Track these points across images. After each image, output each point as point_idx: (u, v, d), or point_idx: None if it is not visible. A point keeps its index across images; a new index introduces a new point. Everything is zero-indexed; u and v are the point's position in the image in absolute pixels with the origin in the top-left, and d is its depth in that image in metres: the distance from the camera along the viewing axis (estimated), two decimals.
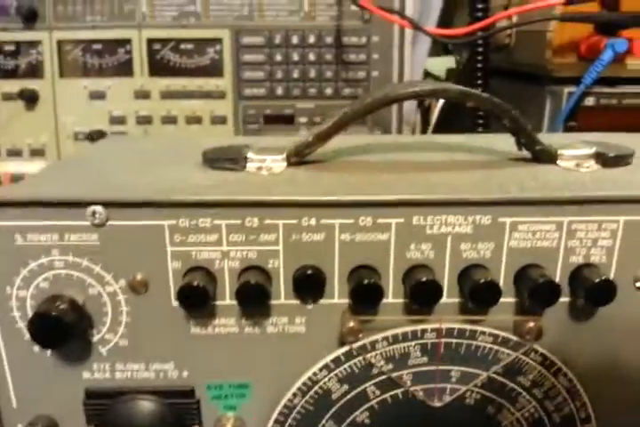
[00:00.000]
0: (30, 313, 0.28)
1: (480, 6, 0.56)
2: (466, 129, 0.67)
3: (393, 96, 0.31)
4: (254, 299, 0.27)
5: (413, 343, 0.28)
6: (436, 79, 0.97)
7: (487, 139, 0.39)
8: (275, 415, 0.30)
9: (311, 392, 0.29)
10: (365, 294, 0.27)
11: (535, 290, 0.27)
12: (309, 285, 0.28)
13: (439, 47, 0.95)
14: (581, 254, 0.28)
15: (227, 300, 0.28)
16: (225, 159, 0.32)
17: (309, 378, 0.29)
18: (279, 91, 0.75)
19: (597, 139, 0.35)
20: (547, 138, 0.33)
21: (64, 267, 0.27)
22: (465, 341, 0.28)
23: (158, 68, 0.74)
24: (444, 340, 0.28)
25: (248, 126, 0.75)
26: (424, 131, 0.86)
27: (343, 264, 0.28)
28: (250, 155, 0.32)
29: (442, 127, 0.82)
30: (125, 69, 0.74)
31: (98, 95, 0.74)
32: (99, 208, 0.26)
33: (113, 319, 0.28)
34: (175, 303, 0.28)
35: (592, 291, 0.27)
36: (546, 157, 0.33)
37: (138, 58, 0.75)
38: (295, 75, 0.74)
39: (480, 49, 0.57)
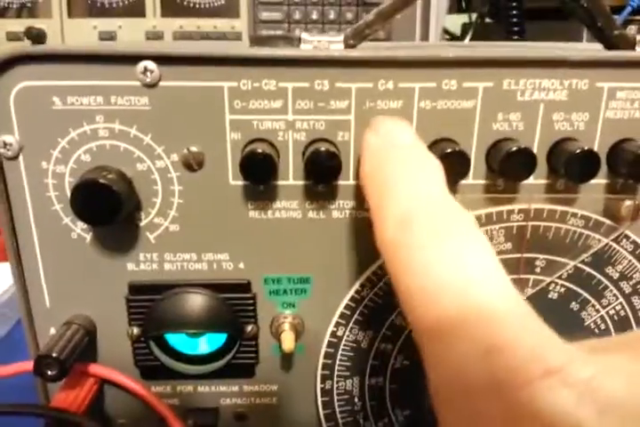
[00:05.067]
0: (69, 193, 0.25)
1: None
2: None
3: None
4: (325, 170, 0.24)
5: (497, 227, 0.25)
6: (452, 36, 0.95)
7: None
8: (339, 310, 0.27)
9: (380, 284, 0.26)
10: (449, 165, 0.24)
11: (634, 162, 0.24)
12: None
13: (453, 6, 0.96)
14: None
15: (290, 179, 0.25)
16: (277, 38, 0.29)
17: (379, 267, 0.26)
18: (297, 33, 0.72)
19: None
20: None
21: (109, 137, 0.24)
22: (554, 224, 0.26)
23: (171, 7, 0.71)
24: (531, 223, 0.25)
25: None
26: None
27: (421, 136, 0.25)
28: (304, 36, 0.29)
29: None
30: (137, 9, 0.71)
31: (108, 36, 0.70)
32: (151, 64, 0.23)
33: (163, 200, 0.25)
34: (233, 182, 0.25)
35: None
36: (624, 42, 0.30)
37: None
38: (314, 16, 0.71)
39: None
